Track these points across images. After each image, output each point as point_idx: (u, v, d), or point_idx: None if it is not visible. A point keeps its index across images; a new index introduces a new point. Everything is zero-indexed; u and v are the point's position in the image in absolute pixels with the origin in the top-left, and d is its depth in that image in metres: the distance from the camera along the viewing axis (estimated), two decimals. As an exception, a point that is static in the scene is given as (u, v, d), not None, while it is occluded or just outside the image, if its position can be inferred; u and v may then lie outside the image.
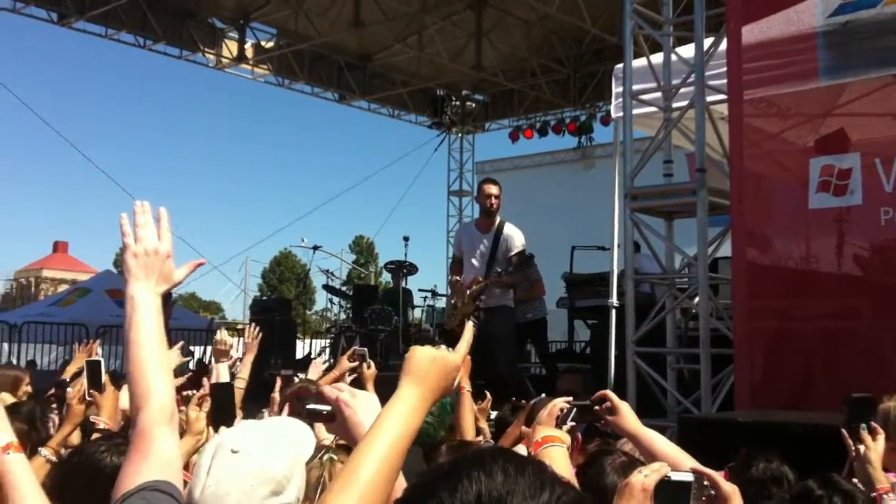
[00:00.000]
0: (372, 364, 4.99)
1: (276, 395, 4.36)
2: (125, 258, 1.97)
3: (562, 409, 2.68)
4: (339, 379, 4.72)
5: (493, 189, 7.90)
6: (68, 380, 4.96)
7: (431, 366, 1.69)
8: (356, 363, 5.04)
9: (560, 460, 2.13)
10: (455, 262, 8.14)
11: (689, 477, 1.92)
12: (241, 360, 5.17)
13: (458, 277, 7.85)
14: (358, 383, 4.76)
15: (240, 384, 4.69)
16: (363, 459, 1.50)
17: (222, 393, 3.71)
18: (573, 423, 2.59)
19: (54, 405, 4.24)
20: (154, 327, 1.92)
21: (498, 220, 7.87)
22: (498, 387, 6.43)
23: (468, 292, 7.63)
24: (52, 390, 4.79)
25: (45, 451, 3.36)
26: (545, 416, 2.51)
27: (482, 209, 8.02)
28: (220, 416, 3.46)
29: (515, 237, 7.78)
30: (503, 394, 5.99)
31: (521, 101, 19.15)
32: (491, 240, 7.76)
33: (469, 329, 1.90)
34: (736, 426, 4.49)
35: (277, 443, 2.13)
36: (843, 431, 3.18)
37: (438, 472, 1.17)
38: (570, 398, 2.78)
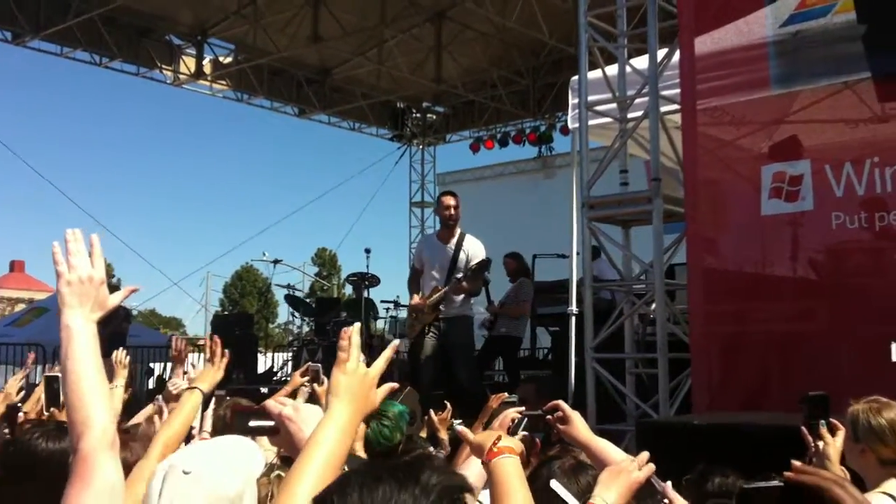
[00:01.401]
0: (325, 380, 4.98)
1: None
2: (59, 287, 1.95)
3: (513, 420, 2.76)
4: (293, 395, 4.71)
5: (452, 200, 7.92)
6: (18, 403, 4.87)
7: (358, 385, 1.81)
8: (307, 378, 5.03)
9: (512, 471, 2.15)
10: (414, 273, 8.11)
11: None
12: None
13: (417, 297, 7.81)
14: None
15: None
16: (300, 479, 1.61)
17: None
18: (525, 433, 2.66)
19: (6, 429, 4.17)
20: (91, 355, 1.92)
21: (458, 231, 7.89)
22: (459, 397, 6.48)
23: (427, 301, 7.64)
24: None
25: None
26: (496, 425, 2.55)
27: (442, 221, 8.04)
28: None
29: (476, 248, 7.80)
30: (464, 404, 6.04)
31: (481, 113, 19.27)
32: (452, 251, 7.77)
33: (391, 347, 1.97)
34: (693, 429, 4.56)
35: (229, 462, 2.14)
36: (803, 429, 3.24)
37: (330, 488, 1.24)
38: (522, 408, 2.86)
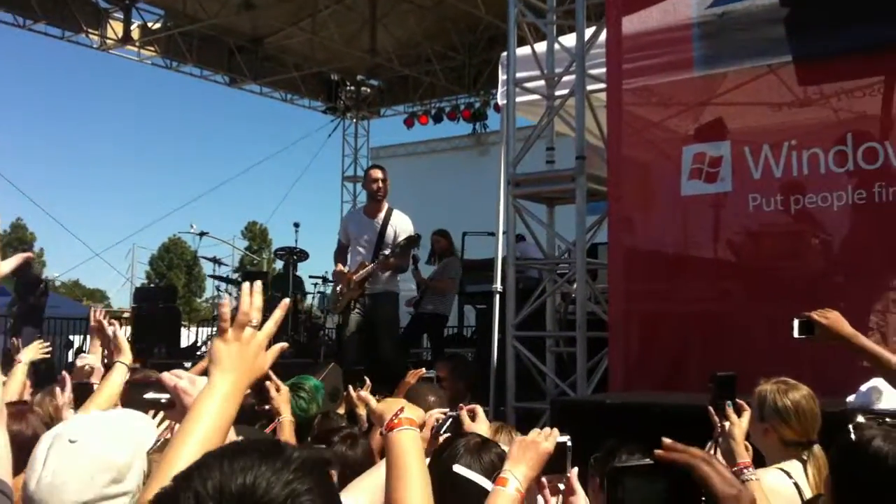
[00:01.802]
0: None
1: None
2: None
3: (437, 420, 2.74)
4: (205, 370, 4.60)
5: (379, 174, 7.87)
6: None
7: (237, 353, 1.76)
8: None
9: (410, 445, 2.11)
10: (340, 247, 8.03)
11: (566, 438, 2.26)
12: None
13: (342, 267, 7.76)
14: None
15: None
16: (177, 452, 1.57)
17: None
18: (448, 435, 2.65)
19: None
20: None
21: (386, 206, 7.83)
22: (382, 372, 6.43)
23: (354, 277, 7.56)
24: None
25: None
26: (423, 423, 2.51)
27: (369, 195, 7.98)
28: None
29: (403, 223, 7.75)
30: (387, 378, 6.00)
31: (416, 87, 19.10)
32: (379, 226, 7.71)
33: (281, 307, 1.92)
34: (605, 408, 4.58)
35: (117, 432, 2.11)
36: (710, 409, 3.26)
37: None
38: (447, 409, 2.86)
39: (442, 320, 9.93)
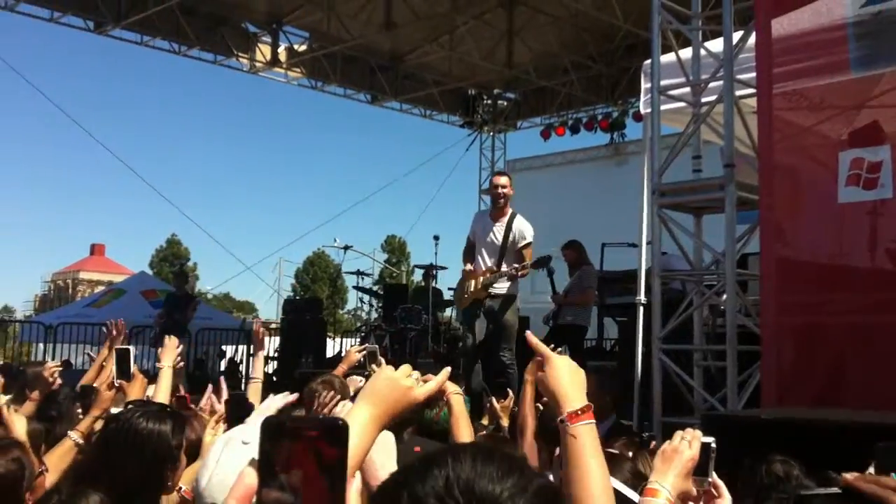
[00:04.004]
0: (383, 361, 4.99)
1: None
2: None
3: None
4: (347, 372, 4.73)
5: (501, 180, 8.13)
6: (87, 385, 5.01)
7: (391, 392, 1.72)
8: (362, 354, 5.11)
9: (590, 438, 1.90)
10: (468, 245, 8.32)
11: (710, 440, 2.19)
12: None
13: (470, 266, 8.10)
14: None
15: (254, 383, 4.74)
16: None
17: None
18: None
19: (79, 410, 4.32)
20: None
21: (510, 211, 8.07)
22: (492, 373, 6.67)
23: (481, 279, 7.85)
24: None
25: (73, 435, 3.48)
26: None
27: (492, 200, 8.29)
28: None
29: (525, 229, 7.96)
30: (500, 386, 6.19)
31: (552, 99, 19.07)
32: (502, 229, 7.95)
33: (445, 372, 1.86)
34: (759, 424, 4.41)
35: None
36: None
37: (411, 464, 1.20)
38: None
39: (581, 331, 9.87)
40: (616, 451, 2.55)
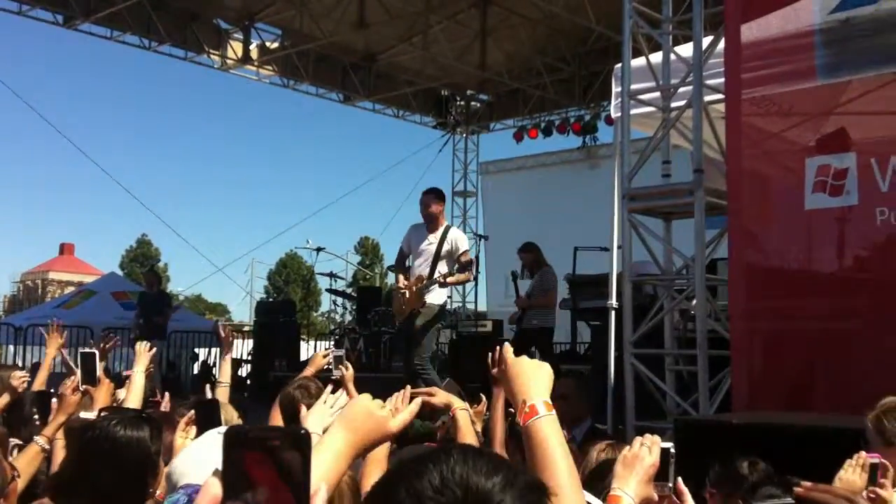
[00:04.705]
0: (349, 367, 5.01)
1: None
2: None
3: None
4: (314, 375, 4.73)
5: (424, 199, 8.16)
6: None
7: (365, 421, 1.75)
8: (327, 357, 5.12)
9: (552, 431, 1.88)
10: (401, 254, 8.43)
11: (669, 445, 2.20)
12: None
13: (403, 279, 8.14)
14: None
15: (221, 387, 4.71)
16: None
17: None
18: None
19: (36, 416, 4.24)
20: None
21: (445, 223, 8.26)
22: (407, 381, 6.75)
23: (414, 289, 7.89)
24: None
25: (39, 440, 3.47)
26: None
27: (423, 219, 8.25)
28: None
29: (460, 239, 8.10)
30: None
31: (525, 101, 19.09)
32: (437, 239, 8.01)
33: (416, 403, 1.91)
34: (730, 428, 4.46)
35: None
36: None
37: (406, 462, 1.27)
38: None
39: (549, 333, 9.87)
40: (608, 458, 2.56)
